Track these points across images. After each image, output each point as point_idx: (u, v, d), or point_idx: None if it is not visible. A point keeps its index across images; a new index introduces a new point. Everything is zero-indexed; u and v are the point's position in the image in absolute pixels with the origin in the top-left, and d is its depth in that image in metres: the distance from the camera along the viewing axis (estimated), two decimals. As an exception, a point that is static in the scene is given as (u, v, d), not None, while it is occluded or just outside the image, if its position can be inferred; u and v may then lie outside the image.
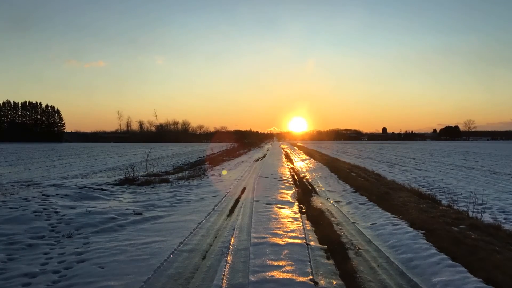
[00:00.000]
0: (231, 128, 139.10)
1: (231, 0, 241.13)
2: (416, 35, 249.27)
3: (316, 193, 12.47)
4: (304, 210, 9.29)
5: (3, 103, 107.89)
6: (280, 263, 5.19)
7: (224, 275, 4.78)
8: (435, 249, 5.64)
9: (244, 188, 13.01)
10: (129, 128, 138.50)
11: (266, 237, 6.48)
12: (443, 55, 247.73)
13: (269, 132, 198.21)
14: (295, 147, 67.86)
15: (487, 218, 8.13)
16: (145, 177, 15.31)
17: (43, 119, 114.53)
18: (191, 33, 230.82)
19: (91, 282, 4.48)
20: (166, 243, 6.10)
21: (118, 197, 10.72)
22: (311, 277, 4.71)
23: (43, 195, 9.77)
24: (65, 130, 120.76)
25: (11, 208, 8.15)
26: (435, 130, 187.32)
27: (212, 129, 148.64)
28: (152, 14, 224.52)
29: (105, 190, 11.63)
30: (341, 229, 7.49)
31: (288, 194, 11.61)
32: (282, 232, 6.86)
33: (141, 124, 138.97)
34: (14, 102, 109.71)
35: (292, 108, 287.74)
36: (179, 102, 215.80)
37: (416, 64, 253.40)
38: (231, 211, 9.11)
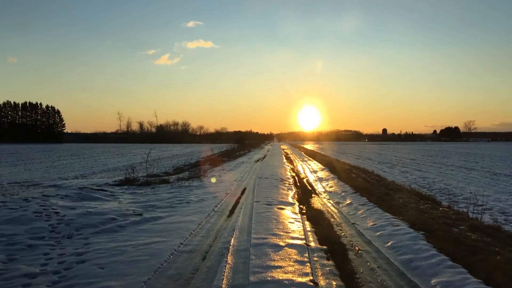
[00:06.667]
0: (231, 129, 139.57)
1: (231, 2, 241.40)
2: (416, 36, 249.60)
3: (316, 194, 12.47)
4: (304, 211, 9.29)
5: (3, 103, 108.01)
6: (280, 263, 5.19)
7: (224, 275, 4.78)
8: (435, 250, 5.64)
9: (244, 189, 13.00)
10: (129, 129, 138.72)
11: (266, 238, 6.48)
12: (443, 56, 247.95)
13: (269, 133, 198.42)
14: (295, 148, 67.85)
15: (487, 219, 8.13)
16: (145, 178, 15.30)
17: (43, 119, 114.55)
18: (192, 33, 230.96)
19: (91, 283, 4.48)
20: (166, 244, 6.10)
21: (118, 198, 10.72)
22: (311, 277, 4.71)
23: (43, 195, 9.77)
24: (65, 131, 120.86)
25: (11, 208, 8.15)
26: (435, 131, 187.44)
27: (212, 130, 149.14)
28: (152, 14, 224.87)
29: (105, 191, 11.62)
30: (341, 230, 7.49)
31: (288, 195, 11.61)
32: (282, 233, 6.86)
33: (141, 125, 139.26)
34: (14, 102, 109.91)
35: (292, 109, 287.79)
36: (179, 103, 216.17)
37: (416, 65, 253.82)
38: (231, 211, 9.10)
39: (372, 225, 7.67)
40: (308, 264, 5.22)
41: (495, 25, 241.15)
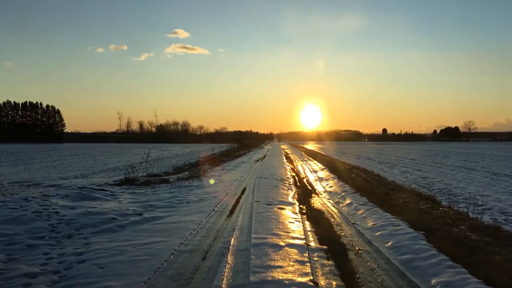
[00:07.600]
0: (231, 128, 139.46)
1: (231, 2, 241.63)
2: (417, 36, 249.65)
3: (316, 194, 12.47)
4: (304, 211, 9.29)
5: (4, 103, 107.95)
6: (281, 263, 5.20)
7: (224, 275, 4.78)
8: (435, 250, 5.65)
9: (244, 189, 13.01)
10: (129, 129, 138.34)
11: (266, 238, 6.49)
12: (444, 56, 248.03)
13: (269, 133, 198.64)
14: (295, 148, 67.88)
15: (487, 219, 8.12)
16: (145, 178, 15.31)
17: (44, 119, 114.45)
18: (191, 33, 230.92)
19: (91, 283, 4.48)
20: (166, 244, 6.10)
21: (118, 198, 10.72)
22: (311, 277, 4.71)
23: (43, 195, 9.77)
24: (65, 131, 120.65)
25: (11, 208, 8.16)
26: (435, 131, 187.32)
27: (212, 130, 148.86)
28: (150, 15, 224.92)
29: (105, 190, 11.63)
30: (341, 230, 7.49)
31: (288, 195, 11.61)
32: (282, 233, 6.86)
33: (141, 125, 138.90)
34: (14, 102, 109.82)
35: (292, 109, 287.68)
36: (179, 103, 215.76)
37: (417, 65, 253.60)
38: (231, 211, 9.11)
39: (372, 225, 7.67)
40: (308, 264, 5.22)
41: (496, 25, 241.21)
